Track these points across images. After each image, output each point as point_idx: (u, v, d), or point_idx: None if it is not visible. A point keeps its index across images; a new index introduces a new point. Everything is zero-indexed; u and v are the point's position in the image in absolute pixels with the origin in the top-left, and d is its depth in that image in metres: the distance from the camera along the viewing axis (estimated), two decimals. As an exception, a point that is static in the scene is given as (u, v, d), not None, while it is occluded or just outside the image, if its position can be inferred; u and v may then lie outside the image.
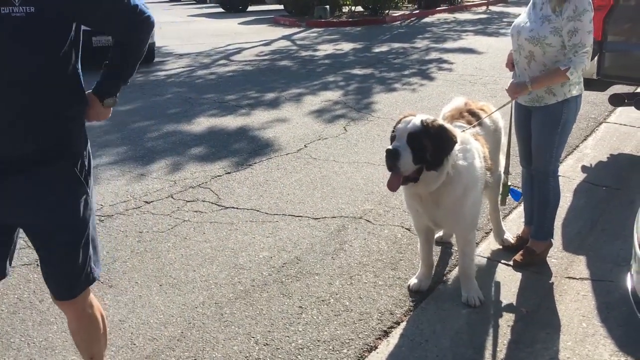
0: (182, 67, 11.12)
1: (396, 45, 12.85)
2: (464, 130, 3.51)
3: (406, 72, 9.99)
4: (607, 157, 5.83)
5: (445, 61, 10.83)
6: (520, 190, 4.13)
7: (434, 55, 11.51)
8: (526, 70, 3.68)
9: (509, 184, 3.96)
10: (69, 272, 2.40)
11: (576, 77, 3.59)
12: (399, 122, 3.25)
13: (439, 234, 4.13)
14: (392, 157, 3.11)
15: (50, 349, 3.19)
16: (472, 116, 3.77)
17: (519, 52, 3.70)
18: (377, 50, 12.40)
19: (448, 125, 3.30)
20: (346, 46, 13.00)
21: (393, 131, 3.26)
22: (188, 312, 3.54)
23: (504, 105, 3.90)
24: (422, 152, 3.12)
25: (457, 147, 3.24)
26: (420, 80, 9.36)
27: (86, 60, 2.61)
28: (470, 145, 3.37)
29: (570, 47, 3.45)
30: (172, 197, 5.22)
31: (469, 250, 3.55)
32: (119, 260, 4.16)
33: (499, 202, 4.05)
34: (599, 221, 4.51)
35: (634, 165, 5.64)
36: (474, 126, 3.66)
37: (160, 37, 14.77)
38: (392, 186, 3.22)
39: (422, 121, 3.16)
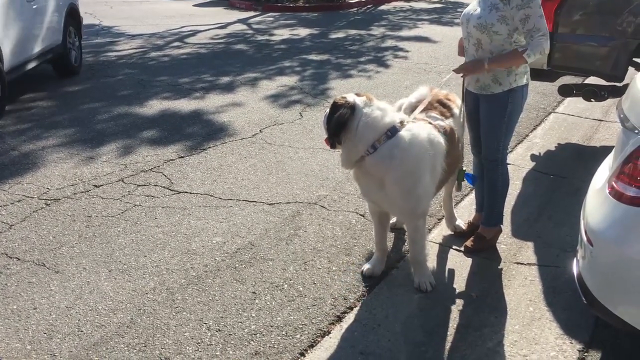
0: (134, 48, 10.82)
1: (352, 31, 12.83)
2: (414, 118, 3.53)
3: (362, 59, 10.00)
4: (555, 147, 5.99)
5: (400, 49, 10.88)
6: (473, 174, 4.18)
7: (389, 42, 11.55)
8: (474, 58, 3.73)
9: (464, 169, 4.02)
10: None
11: (523, 66, 3.67)
12: None
13: (393, 219, 4.16)
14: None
15: (-7, 337, 3.08)
16: (443, 107, 3.80)
17: (468, 39, 3.75)
18: (333, 36, 12.36)
19: (350, 106, 3.33)
20: (303, 31, 12.91)
21: None
22: (138, 298, 3.47)
23: (446, 79, 3.98)
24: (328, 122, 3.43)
25: (380, 128, 3.31)
26: (376, 67, 9.39)
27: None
28: (410, 135, 3.35)
29: (525, 34, 3.52)
30: (122, 181, 5.09)
31: (418, 237, 3.57)
32: (66, 245, 4.04)
33: (455, 188, 4.09)
34: (546, 208, 4.64)
35: (581, 154, 5.81)
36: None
37: (112, 17, 14.38)
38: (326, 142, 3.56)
39: (339, 97, 3.43)
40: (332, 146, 3.49)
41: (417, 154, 3.35)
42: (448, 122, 3.70)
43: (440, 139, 3.50)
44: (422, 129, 3.43)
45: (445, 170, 3.57)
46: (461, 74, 3.76)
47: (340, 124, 3.32)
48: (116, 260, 3.87)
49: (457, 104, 3.95)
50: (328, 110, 3.44)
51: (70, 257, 3.91)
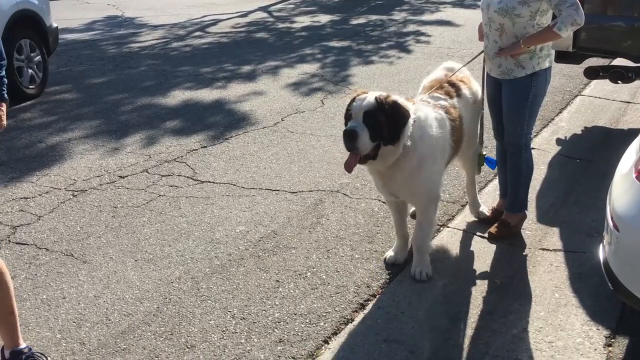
0: (156, 39, 10.89)
1: (374, 17, 12.74)
2: (413, 102, 3.50)
3: (384, 45, 9.93)
4: (582, 130, 5.89)
5: (422, 34, 10.77)
6: (495, 158, 4.14)
7: (411, 27, 11.44)
8: (497, 43, 3.68)
9: (484, 153, 3.98)
10: None
11: (546, 49, 3.61)
12: (353, 100, 3.23)
13: (413, 207, 4.14)
14: (350, 138, 3.13)
15: (24, 325, 3.15)
16: (451, 87, 3.77)
17: (490, 25, 3.69)
18: (354, 22, 12.29)
19: (401, 100, 3.29)
20: (323, 18, 12.85)
21: (348, 109, 3.25)
22: (164, 287, 3.52)
23: (471, 61, 4.03)
24: (379, 129, 3.14)
25: (410, 119, 3.24)
26: (397, 53, 9.31)
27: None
28: (425, 115, 3.36)
29: (555, 9, 3.47)
30: (147, 171, 5.15)
31: (426, 223, 3.53)
32: (93, 236, 4.11)
33: (475, 172, 4.08)
34: (572, 193, 4.57)
35: (608, 137, 5.70)
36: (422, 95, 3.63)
37: (134, 8, 14.48)
38: (349, 167, 3.24)
39: (376, 98, 3.17)
40: (369, 157, 3.23)
41: (430, 136, 3.36)
42: (452, 102, 3.66)
43: (445, 117, 3.49)
44: (426, 110, 3.43)
45: (452, 147, 3.58)
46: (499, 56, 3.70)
47: (407, 121, 3.21)
48: (142, 250, 3.92)
49: (470, 85, 3.91)
50: (385, 115, 3.14)
51: (97, 247, 3.98)
